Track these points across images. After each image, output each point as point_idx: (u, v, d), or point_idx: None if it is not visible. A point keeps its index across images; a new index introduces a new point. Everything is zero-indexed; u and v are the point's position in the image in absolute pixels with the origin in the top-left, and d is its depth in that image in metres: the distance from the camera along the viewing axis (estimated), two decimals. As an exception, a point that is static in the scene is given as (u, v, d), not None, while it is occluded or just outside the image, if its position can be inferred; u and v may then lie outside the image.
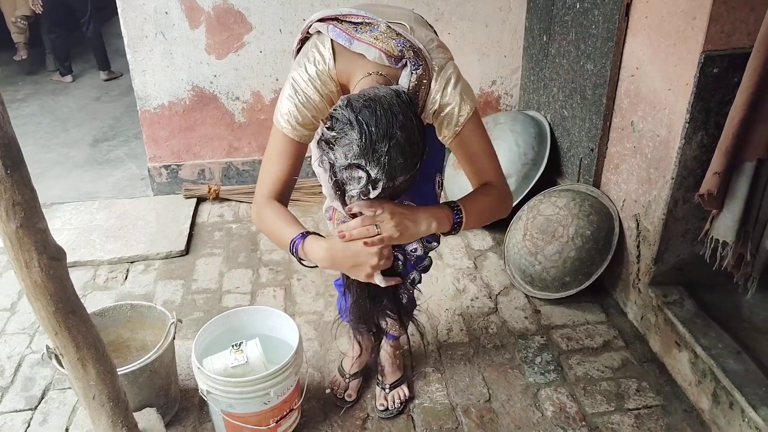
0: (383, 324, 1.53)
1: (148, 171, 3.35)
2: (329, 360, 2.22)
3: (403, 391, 2.04)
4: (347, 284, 1.48)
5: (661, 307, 2.16)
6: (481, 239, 2.92)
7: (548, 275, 2.43)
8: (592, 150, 2.57)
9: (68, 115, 4.75)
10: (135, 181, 3.59)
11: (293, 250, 1.40)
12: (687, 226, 2.13)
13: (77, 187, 3.53)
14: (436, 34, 1.61)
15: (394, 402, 2.01)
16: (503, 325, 2.38)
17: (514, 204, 2.80)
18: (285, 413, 1.83)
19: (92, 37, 5.46)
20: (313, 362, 2.21)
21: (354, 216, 1.32)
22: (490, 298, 2.53)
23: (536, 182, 2.82)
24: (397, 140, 1.19)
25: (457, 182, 2.94)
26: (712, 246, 1.91)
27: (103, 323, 1.97)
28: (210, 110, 3.24)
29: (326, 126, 1.25)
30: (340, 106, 1.24)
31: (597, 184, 2.58)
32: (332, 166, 1.24)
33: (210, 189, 3.29)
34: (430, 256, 1.91)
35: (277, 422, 1.82)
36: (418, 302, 2.06)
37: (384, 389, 2.04)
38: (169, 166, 3.33)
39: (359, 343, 2.08)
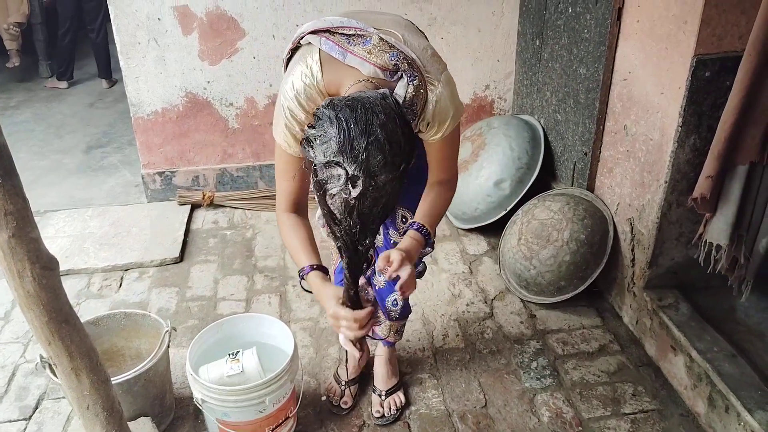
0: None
1: (142, 178, 3.34)
2: (325, 367, 2.21)
3: (399, 397, 2.03)
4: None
5: (656, 310, 2.16)
6: (476, 244, 2.92)
7: (543, 279, 2.43)
8: (585, 154, 2.58)
9: (62, 121, 4.73)
10: (129, 188, 3.57)
11: (301, 276, 1.58)
12: (681, 229, 2.13)
13: (71, 195, 3.52)
14: (427, 40, 1.61)
15: (390, 409, 2.00)
16: (499, 330, 2.38)
17: (509, 207, 2.81)
18: (281, 421, 1.83)
19: (100, 44, 5.40)
20: (309, 369, 2.20)
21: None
22: (486, 303, 2.53)
23: (530, 186, 2.82)
24: (376, 137, 1.19)
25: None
26: (706, 249, 1.91)
27: (97, 332, 1.96)
28: (204, 116, 3.24)
29: (308, 125, 1.27)
30: (323, 106, 1.26)
31: (591, 188, 2.58)
32: (313, 165, 1.24)
33: (204, 195, 3.28)
34: (424, 262, 1.92)
35: (272, 430, 1.81)
36: (413, 307, 2.06)
37: (380, 396, 2.03)
38: (163, 172, 3.32)
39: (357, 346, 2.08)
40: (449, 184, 1.64)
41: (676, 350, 2.06)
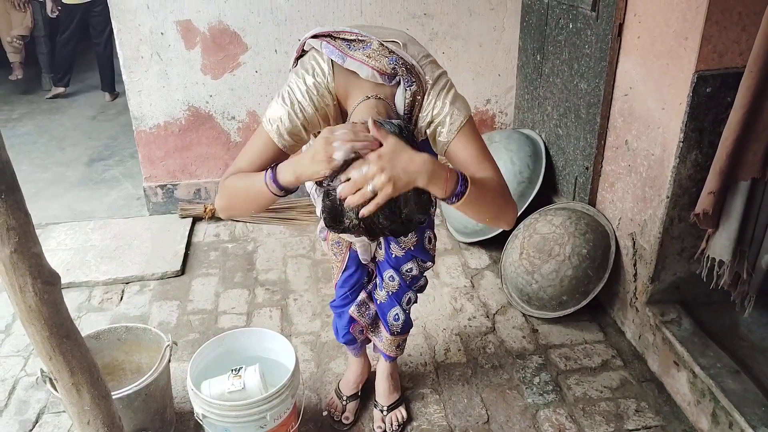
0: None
1: (144, 191, 3.35)
2: (326, 381, 2.20)
3: (401, 413, 2.02)
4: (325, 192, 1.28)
5: (659, 326, 2.15)
6: (478, 258, 2.92)
7: (545, 294, 2.42)
8: (587, 168, 2.58)
9: (64, 134, 4.75)
10: (130, 201, 3.58)
11: (269, 180, 1.30)
12: (683, 244, 2.13)
13: (73, 207, 3.52)
14: (430, 55, 1.61)
15: (392, 424, 1.99)
16: (501, 344, 2.37)
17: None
18: (281, 437, 1.81)
19: (106, 58, 5.44)
20: (310, 384, 2.19)
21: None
22: (488, 317, 2.52)
23: (532, 200, 2.82)
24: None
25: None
26: (708, 265, 1.91)
27: (98, 346, 1.95)
28: (206, 130, 3.25)
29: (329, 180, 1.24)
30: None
31: (593, 202, 2.58)
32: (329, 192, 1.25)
33: (206, 208, 3.28)
34: (425, 276, 1.91)
35: (273, 446, 1.80)
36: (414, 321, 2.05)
37: (382, 411, 2.02)
38: (165, 185, 3.33)
39: (358, 355, 2.07)
40: (501, 188, 1.38)
41: (679, 366, 2.05)
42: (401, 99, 1.40)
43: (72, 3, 5.25)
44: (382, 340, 1.94)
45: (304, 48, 1.51)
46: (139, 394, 1.78)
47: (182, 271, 2.87)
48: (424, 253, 1.80)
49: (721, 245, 1.84)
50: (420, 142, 1.44)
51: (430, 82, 1.41)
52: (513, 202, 1.39)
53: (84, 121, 5.06)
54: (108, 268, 2.85)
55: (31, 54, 5.92)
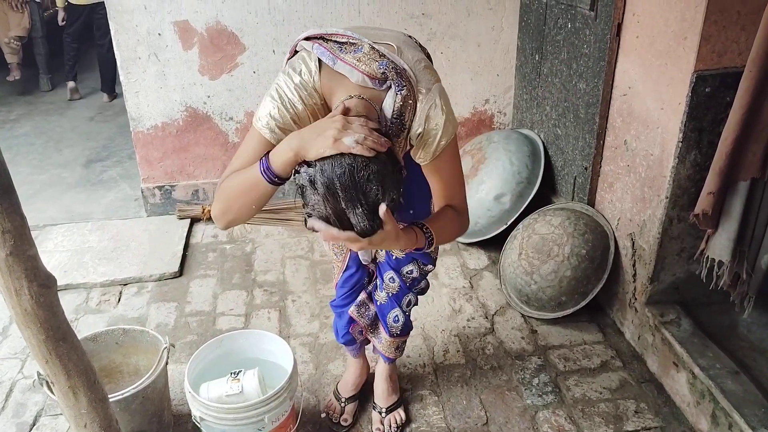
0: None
1: (142, 192, 3.34)
2: (324, 383, 2.19)
3: (400, 414, 2.02)
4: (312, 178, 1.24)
5: (658, 326, 2.14)
6: (477, 258, 2.91)
7: (544, 295, 2.41)
8: (585, 168, 2.57)
9: (61, 135, 4.74)
10: (128, 202, 3.57)
11: (263, 168, 1.28)
12: (682, 244, 2.12)
13: (70, 209, 3.51)
14: (429, 55, 1.60)
15: (390, 426, 1.98)
16: (500, 345, 2.36)
17: (510, 222, 2.81)
18: (280, 439, 1.81)
19: (108, 59, 5.43)
20: (308, 385, 2.18)
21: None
22: (487, 318, 2.52)
23: (531, 200, 2.82)
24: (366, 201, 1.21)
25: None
26: (708, 265, 1.90)
27: (95, 348, 1.94)
28: (204, 131, 3.24)
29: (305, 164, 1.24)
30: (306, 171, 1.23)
31: (591, 202, 2.58)
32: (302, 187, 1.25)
33: (204, 209, 3.27)
34: (426, 279, 1.90)
35: (272, 448, 1.79)
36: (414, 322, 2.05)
37: (380, 413, 2.02)
38: (163, 186, 3.32)
39: (357, 356, 2.07)
40: (458, 216, 1.52)
41: (679, 366, 2.05)
42: (390, 102, 1.38)
43: (78, 3, 5.26)
44: (382, 341, 1.93)
45: (296, 49, 1.50)
46: (137, 396, 1.77)
47: (180, 272, 2.86)
48: (425, 256, 1.80)
49: (720, 246, 1.83)
50: (404, 156, 1.45)
51: (423, 90, 1.40)
52: (467, 219, 1.55)
53: (82, 122, 5.05)
54: (105, 270, 2.84)
55: (28, 55, 5.92)
